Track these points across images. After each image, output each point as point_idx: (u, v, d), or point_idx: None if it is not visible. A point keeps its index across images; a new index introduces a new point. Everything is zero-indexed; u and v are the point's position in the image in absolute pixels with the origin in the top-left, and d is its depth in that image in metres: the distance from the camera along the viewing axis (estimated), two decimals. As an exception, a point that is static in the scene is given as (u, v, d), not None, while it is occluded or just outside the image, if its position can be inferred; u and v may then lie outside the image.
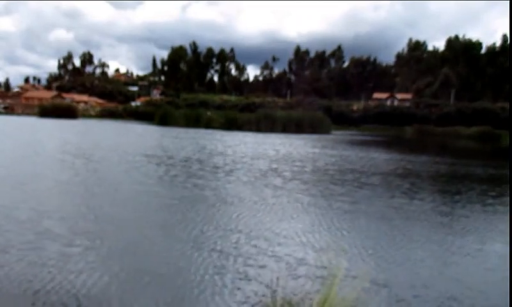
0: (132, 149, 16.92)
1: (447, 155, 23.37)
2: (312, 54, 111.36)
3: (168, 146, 19.11)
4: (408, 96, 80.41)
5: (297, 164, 14.29)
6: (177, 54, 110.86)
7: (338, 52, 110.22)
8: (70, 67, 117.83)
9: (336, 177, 11.49)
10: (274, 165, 13.36)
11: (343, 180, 11.06)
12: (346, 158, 17.04)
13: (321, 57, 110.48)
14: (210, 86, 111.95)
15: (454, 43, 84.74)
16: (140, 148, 17.59)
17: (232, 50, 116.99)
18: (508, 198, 9.15)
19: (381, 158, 18.42)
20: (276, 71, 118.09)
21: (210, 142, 22.54)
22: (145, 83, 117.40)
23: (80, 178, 9.63)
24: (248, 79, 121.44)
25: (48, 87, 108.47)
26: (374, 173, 12.88)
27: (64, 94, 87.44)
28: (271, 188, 9.17)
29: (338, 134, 43.62)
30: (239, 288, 3.83)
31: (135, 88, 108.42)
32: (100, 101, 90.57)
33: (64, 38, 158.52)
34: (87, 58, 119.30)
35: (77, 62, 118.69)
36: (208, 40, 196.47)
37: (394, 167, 14.63)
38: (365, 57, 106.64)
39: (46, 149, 16.14)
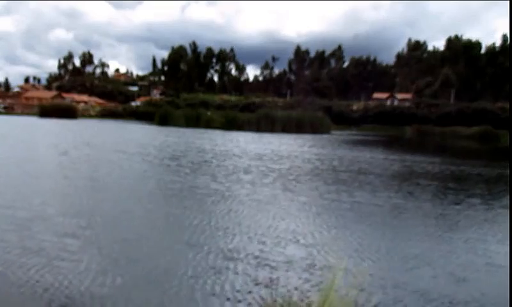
0: (118, 148, 17.32)
1: (434, 154, 23.38)
2: (312, 54, 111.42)
3: (156, 145, 19.53)
4: (408, 96, 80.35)
5: (277, 161, 14.50)
6: (177, 53, 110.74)
7: (338, 52, 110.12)
8: (70, 67, 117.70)
9: (307, 174, 11.69)
10: (253, 163, 13.65)
11: (312, 176, 11.35)
12: (329, 157, 17.19)
13: (321, 57, 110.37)
14: (210, 86, 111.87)
15: (454, 43, 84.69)
16: (127, 147, 18.00)
17: (231, 50, 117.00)
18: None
19: (365, 157, 18.40)
20: (276, 71, 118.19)
21: (200, 141, 22.81)
22: (145, 83, 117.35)
23: (52, 171, 10.45)
24: (248, 79, 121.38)
25: (48, 87, 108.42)
26: (347, 170, 13.05)
27: (64, 94, 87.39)
28: (237, 183, 9.53)
29: (337, 134, 43.64)
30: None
31: (135, 88, 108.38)
32: (100, 101, 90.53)
33: (64, 38, 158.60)
34: (87, 58, 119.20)
35: (77, 62, 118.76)
36: (208, 40, 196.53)
37: (371, 166, 14.68)
38: (365, 57, 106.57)
39: (33, 148, 16.52)
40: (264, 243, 5.22)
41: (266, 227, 5.97)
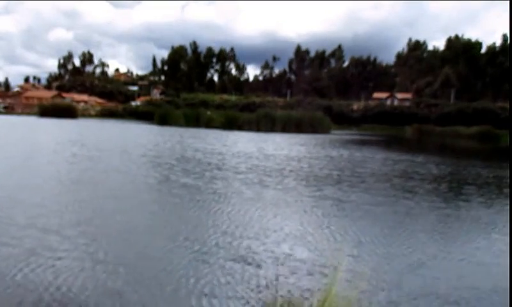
0: (104, 146, 17.74)
1: (424, 153, 23.27)
2: (312, 54, 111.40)
3: (144, 143, 19.96)
4: (408, 96, 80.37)
5: (257, 159, 14.77)
6: (177, 53, 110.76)
7: (338, 52, 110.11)
8: (70, 67, 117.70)
9: (280, 171, 11.84)
10: (234, 160, 13.95)
11: (286, 172, 11.59)
12: (312, 155, 17.28)
13: (321, 57, 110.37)
14: (210, 86, 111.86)
15: (454, 43, 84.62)
16: (114, 145, 18.47)
17: (232, 49, 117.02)
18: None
19: (351, 156, 18.29)
20: (276, 71, 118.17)
21: (191, 140, 22.94)
22: (145, 83, 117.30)
23: (26, 166, 11.02)
24: (248, 79, 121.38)
25: (48, 86, 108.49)
26: (323, 168, 13.24)
27: (64, 94, 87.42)
28: (209, 178, 9.91)
29: (336, 134, 43.59)
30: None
31: (135, 88, 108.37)
32: (100, 100, 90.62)
33: (63, 38, 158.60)
34: (87, 58, 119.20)
35: (77, 62, 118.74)
36: (208, 40, 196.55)
37: (350, 164, 14.72)
38: (365, 57, 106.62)
39: (18, 146, 16.88)
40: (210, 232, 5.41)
41: (211, 219, 6.23)
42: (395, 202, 8.16)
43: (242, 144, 22.21)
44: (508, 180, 12.18)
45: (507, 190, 10.23)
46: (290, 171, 12.00)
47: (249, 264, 4.42)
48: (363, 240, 5.52)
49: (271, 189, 8.79)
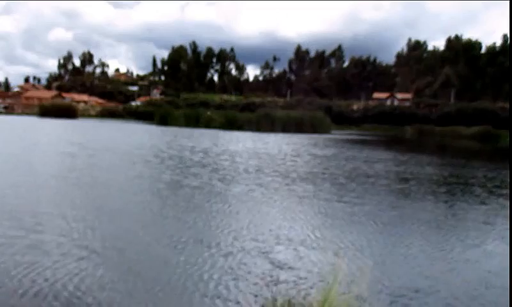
0: (92, 145, 18.12)
1: (414, 152, 23.32)
2: (312, 54, 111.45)
3: (134, 142, 20.41)
4: (408, 96, 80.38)
5: (241, 157, 15.03)
6: (177, 53, 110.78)
7: (338, 52, 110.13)
8: (70, 67, 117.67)
9: (259, 169, 11.99)
10: (218, 158, 14.37)
11: (264, 169, 11.82)
12: (297, 154, 17.36)
13: (321, 57, 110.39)
14: (210, 86, 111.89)
15: (454, 43, 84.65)
16: (103, 144, 18.93)
17: (232, 49, 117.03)
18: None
19: (338, 155, 18.22)
20: (276, 71, 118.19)
21: (185, 140, 23.10)
22: (145, 83, 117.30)
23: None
24: (247, 79, 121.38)
25: (48, 87, 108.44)
26: (301, 165, 13.48)
27: (64, 94, 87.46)
28: (188, 174, 10.29)
29: (335, 134, 43.48)
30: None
31: (135, 88, 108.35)
32: (100, 101, 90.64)
33: (63, 38, 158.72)
34: (87, 58, 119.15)
35: (77, 62, 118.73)
36: (207, 40, 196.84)
37: (332, 163, 14.77)
38: (365, 57, 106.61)
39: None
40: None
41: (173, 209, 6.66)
42: (355, 198, 8.25)
43: (234, 143, 22.27)
44: (487, 180, 12.01)
45: (479, 190, 10.12)
46: (268, 168, 12.20)
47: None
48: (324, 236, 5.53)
49: (243, 185, 9.05)
